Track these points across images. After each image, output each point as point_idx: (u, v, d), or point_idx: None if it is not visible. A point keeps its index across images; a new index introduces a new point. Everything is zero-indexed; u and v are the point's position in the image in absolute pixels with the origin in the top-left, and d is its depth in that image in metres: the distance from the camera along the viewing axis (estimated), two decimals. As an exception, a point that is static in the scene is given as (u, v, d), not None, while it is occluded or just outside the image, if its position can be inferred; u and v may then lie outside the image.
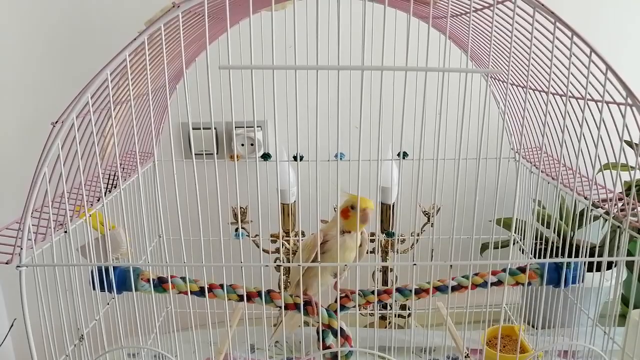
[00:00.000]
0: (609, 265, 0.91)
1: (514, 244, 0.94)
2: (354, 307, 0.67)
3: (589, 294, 0.85)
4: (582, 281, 0.66)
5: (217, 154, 1.08)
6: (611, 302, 0.66)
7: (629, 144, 0.57)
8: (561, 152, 0.58)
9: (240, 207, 0.93)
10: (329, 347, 0.64)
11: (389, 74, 0.83)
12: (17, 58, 1.04)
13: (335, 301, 0.67)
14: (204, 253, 0.57)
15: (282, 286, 0.96)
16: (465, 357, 0.73)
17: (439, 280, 0.67)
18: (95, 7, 1.03)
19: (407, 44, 0.51)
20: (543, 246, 0.92)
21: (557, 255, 0.78)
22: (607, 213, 0.63)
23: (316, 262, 0.63)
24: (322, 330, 0.65)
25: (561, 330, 0.87)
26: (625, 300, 0.97)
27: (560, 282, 0.65)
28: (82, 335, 0.60)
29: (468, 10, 0.60)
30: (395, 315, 1.01)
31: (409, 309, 1.02)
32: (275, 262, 0.98)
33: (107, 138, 0.59)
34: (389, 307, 0.99)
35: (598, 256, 0.59)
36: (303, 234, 0.93)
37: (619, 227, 0.62)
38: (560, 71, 0.56)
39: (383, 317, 1.02)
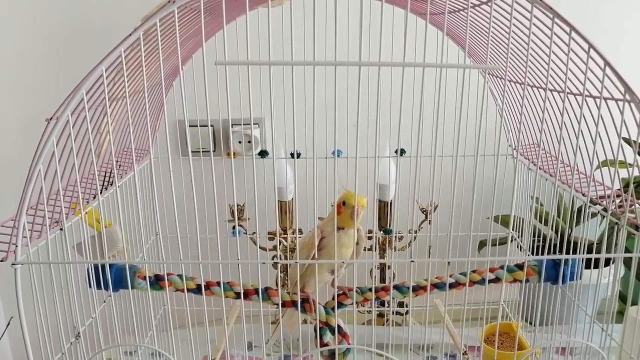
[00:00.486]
0: (607, 262, 0.91)
1: (511, 241, 0.94)
2: (352, 304, 0.67)
3: (587, 291, 0.85)
4: (580, 278, 0.66)
5: (214, 151, 1.08)
6: (609, 299, 0.66)
7: (627, 141, 0.57)
8: (559, 149, 0.58)
9: (238, 205, 0.92)
10: (326, 345, 0.64)
11: (387, 70, 0.83)
12: (14, 55, 1.04)
13: (333, 298, 0.67)
14: (200, 251, 0.57)
15: (280, 284, 0.97)
16: (463, 354, 0.73)
17: (436, 278, 0.67)
18: (93, 5, 1.02)
19: (404, 40, 0.51)
20: (541, 243, 0.91)
21: (554, 253, 0.78)
22: (605, 210, 0.63)
23: (312, 260, 0.63)
24: (320, 328, 0.64)
25: (559, 327, 0.88)
26: (622, 298, 0.97)
27: (558, 279, 0.65)
28: (78, 333, 0.60)
29: (466, 6, 0.59)
30: (393, 312, 1.01)
31: (406, 306, 1.01)
32: (272, 259, 0.98)
33: (103, 135, 0.59)
34: (386, 305, 0.99)
35: (596, 253, 0.59)
36: (300, 232, 0.93)
37: (616, 223, 0.62)
38: (559, 67, 0.56)
39: (381, 315, 1.02)
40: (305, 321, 0.86)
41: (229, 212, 0.94)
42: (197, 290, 0.65)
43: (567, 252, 0.63)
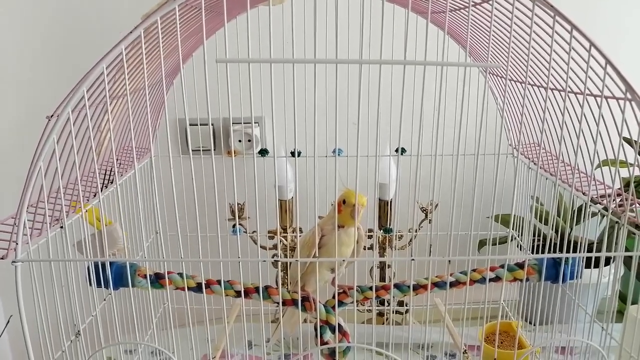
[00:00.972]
0: (607, 262, 0.91)
1: (511, 240, 0.94)
2: (352, 303, 0.67)
3: (587, 290, 0.85)
4: (580, 277, 0.66)
5: (214, 150, 1.08)
6: (609, 298, 0.66)
7: (628, 141, 0.57)
8: (560, 149, 0.58)
9: (238, 204, 0.92)
10: (326, 343, 0.64)
11: (387, 69, 0.83)
12: (14, 53, 1.04)
13: (333, 297, 0.67)
14: (201, 249, 0.57)
15: (280, 282, 0.97)
16: (463, 353, 0.73)
17: (437, 276, 0.67)
18: (93, 2, 1.02)
19: (405, 38, 0.51)
20: (541, 243, 0.91)
21: (554, 252, 0.78)
22: (606, 209, 0.63)
23: (312, 258, 0.63)
24: (320, 326, 0.64)
25: (559, 326, 0.88)
26: (622, 297, 0.97)
27: (558, 278, 0.65)
28: (78, 331, 0.60)
29: (467, 5, 0.59)
30: (393, 311, 1.01)
31: (406, 305, 1.02)
32: (272, 257, 0.98)
33: (104, 133, 0.59)
34: (386, 303, 0.99)
35: (596, 252, 0.59)
36: (301, 231, 0.93)
37: (617, 223, 0.62)
38: (559, 66, 0.56)
39: (381, 314, 1.02)
40: (305, 320, 0.86)
41: (229, 210, 0.94)
42: (198, 288, 0.64)
43: (567, 252, 0.63)
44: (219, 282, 0.65)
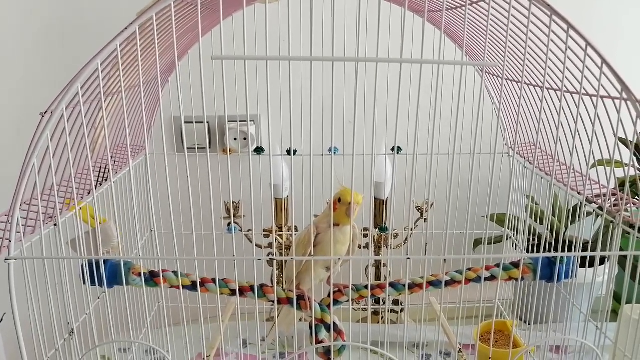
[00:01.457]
0: (602, 261, 0.92)
1: (507, 239, 0.95)
2: (347, 301, 0.67)
3: (582, 290, 0.85)
4: (575, 276, 0.66)
5: (209, 148, 1.07)
6: (603, 297, 0.67)
7: (623, 141, 0.57)
8: (555, 149, 0.58)
9: (233, 202, 0.92)
10: (321, 342, 0.64)
11: (384, 67, 0.83)
12: (7, 48, 1.03)
13: (328, 296, 0.66)
14: (196, 247, 0.57)
15: (275, 281, 0.96)
16: (458, 352, 0.73)
17: (432, 275, 0.67)
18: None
19: (402, 36, 0.50)
20: (536, 242, 0.92)
21: (549, 251, 0.78)
22: (601, 208, 0.63)
23: (308, 257, 0.63)
24: (315, 325, 0.64)
25: (553, 325, 0.88)
26: (616, 297, 0.98)
27: (553, 277, 0.65)
28: (72, 330, 0.59)
29: (464, 4, 0.59)
30: (388, 310, 1.01)
31: (401, 304, 1.02)
32: (267, 256, 0.97)
33: (98, 130, 0.58)
34: (381, 302, 0.99)
35: (591, 251, 0.59)
36: (296, 229, 0.93)
37: (612, 222, 0.62)
38: (556, 65, 0.56)
39: (376, 312, 1.02)
40: (300, 319, 0.86)
41: (224, 209, 0.93)
42: (193, 287, 0.64)
43: (562, 251, 0.63)
44: (214, 280, 0.64)
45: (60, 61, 1.01)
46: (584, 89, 0.54)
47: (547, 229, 0.69)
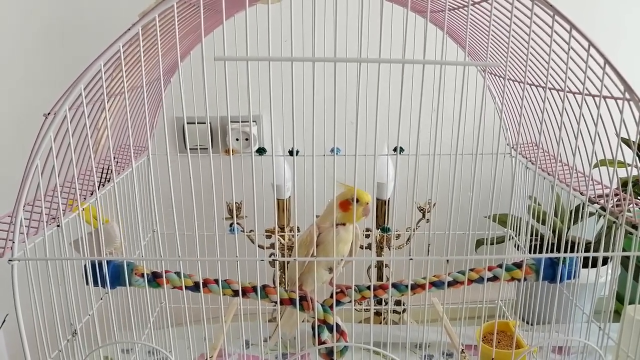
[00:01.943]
0: (604, 261, 0.91)
1: (509, 240, 0.94)
2: (350, 302, 0.67)
3: (584, 290, 0.85)
4: (578, 277, 0.66)
5: (211, 148, 1.07)
6: (606, 298, 0.66)
7: (626, 141, 0.57)
8: (558, 150, 0.57)
9: (235, 202, 0.92)
10: (324, 343, 0.64)
11: (386, 68, 0.83)
12: (10, 48, 1.03)
13: (331, 296, 0.66)
14: (198, 248, 0.57)
15: (277, 281, 0.96)
16: (461, 352, 0.73)
17: (434, 276, 0.67)
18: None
19: (404, 36, 0.50)
20: (538, 242, 0.92)
21: (552, 252, 0.78)
22: (603, 209, 0.63)
23: (311, 257, 0.63)
24: (318, 326, 0.64)
25: (556, 326, 0.88)
26: (619, 297, 0.97)
27: (556, 278, 0.65)
28: (75, 330, 0.59)
29: (466, 4, 0.59)
30: (390, 310, 1.01)
31: (404, 305, 1.01)
32: (270, 257, 0.97)
33: (101, 131, 0.58)
34: (384, 303, 0.99)
35: (593, 252, 0.59)
36: (298, 230, 0.93)
37: (614, 223, 0.62)
38: (558, 65, 0.56)
39: (378, 313, 1.02)
40: (303, 319, 0.86)
41: (226, 209, 0.93)
42: (195, 287, 0.64)
43: (565, 251, 0.63)
44: (216, 281, 0.64)
45: (61, 61, 1.02)
46: (587, 89, 0.54)
47: (550, 230, 0.69)
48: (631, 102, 0.51)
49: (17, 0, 1.00)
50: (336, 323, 0.65)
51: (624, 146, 0.58)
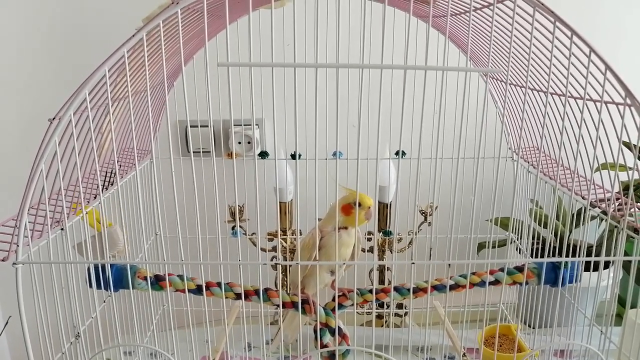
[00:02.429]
0: (606, 265, 0.91)
1: (511, 243, 0.95)
2: (352, 305, 0.67)
3: (586, 294, 0.85)
4: (579, 281, 0.66)
5: (214, 152, 1.08)
6: (608, 301, 0.67)
7: (627, 145, 0.58)
8: (559, 154, 0.58)
9: (238, 206, 0.92)
10: (326, 346, 0.64)
11: (388, 73, 0.83)
12: (15, 54, 1.04)
13: (333, 300, 0.67)
14: (201, 251, 0.57)
15: (280, 284, 0.97)
16: (463, 356, 0.73)
17: (436, 280, 0.67)
18: (93, 3, 1.02)
19: (406, 42, 0.51)
20: (540, 246, 0.92)
21: (553, 255, 0.78)
22: (605, 213, 0.63)
23: (313, 261, 0.63)
24: (320, 329, 0.64)
25: (558, 329, 0.88)
26: (621, 301, 0.97)
27: (558, 282, 0.65)
28: (78, 333, 0.60)
29: (468, 10, 0.60)
30: (392, 314, 1.01)
31: (406, 308, 1.02)
32: (272, 260, 0.98)
33: (105, 135, 0.59)
34: (385, 306, 0.99)
35: (595, 256, 0.59)
36: (300, 233, 0.93)
37: (616, 227, 0.62)
38: (560, 71, 0.56)
39: (380, 316, 1.02)
40: (305, 323, 0.86)
41: (228, 212, 0.94)
42: (198, 290, 0.65)
43: (567, 255, 0.63)
44: (218, 284, 0.65)
45: (65, 67, 1.02)
46: (588, 94, 0.54)
47: (551, 233, 0.69)
48: (632, 108, 0.51)
49: (22, 6, 1.01)
50: (338, 326, 0.65)
51: (625, 150, 0.58)
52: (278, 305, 0.65)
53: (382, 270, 1.00)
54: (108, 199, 0.69)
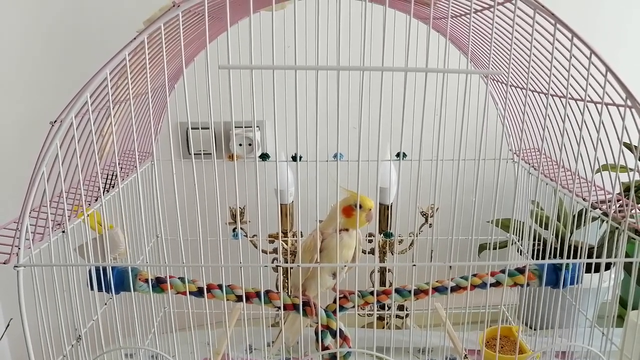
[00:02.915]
0: (607, 266, 0.91)
1: (512, 244, 0.95)
2: (353, 307, 0.67)
3: (587, 295, 0.85)
4: (581, 282, 0.66)
5: (215, 154, 1.08)
6: (609, 303, 0.66)
7: (628, 146, 0.58)
8: (560, 156, 0.58)
9: (239, 207, 0.93)
10: (327, 348, 0.64)
11: (389, 75, 0.83)
12: (16, 57, 1.04)
13: (334, 302, 0.67)
14: (202, 253, 0.57)
15: (281, 287, 0.97)
16: (464, 357, 0.73)
17: (437, 281, 0.67)
18: (93, 6, 1.02)
19: (407, 44, 0.51)
20: (541, 247, 0.92)
21: (554, 257, 0.78)
22: (606, 214, 0.63)
23: (315, 263, 0.63)
24: (321, 331, 0.64)
25: (559, 331, 0.88)
26: (622, 302, 0.97)
27: (559, 283, 0.65)
28: (79, 336, 0.60)
29: (468, 12, 0.60)
30: (393, 315, 1.01)
31: (407, 310, 1.01)
32: (273, 262, 0.98)
33: (106, 137, 0.59)
34: (387, 308, 0.99)
35: (596, 257, 0.59)
36: (301, 234, 0.93)
37: (617, 228, 0.62)
38: (560, 73, 0.56)
39: (381, 318, 1.02)
40: (306, 325, 0.86)
41: (229, 214, 0.94)
42: (199, 293, 0.65)
43: (568, 257, 0.63)
44: (219, 286, 0.65)
45: (67, 69, 1.02)
46: (589, 96, 0.55)
47: (552, 234, 0.69)
48: (633, 109, 0.51)
49: (23, 9, 1.01)
50: (339, 328, 0.65)
51: (625, 151, 0.58)
52: (279, 308, 0.65)
53: (383, 272, 1.00)
54: (109, 201, 0.69)
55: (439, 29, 0.77)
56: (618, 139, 0.55)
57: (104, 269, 0.60)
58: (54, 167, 0.50)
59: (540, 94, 0.67)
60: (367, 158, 0.88)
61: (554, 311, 0.73)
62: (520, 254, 0.92)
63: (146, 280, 0.64)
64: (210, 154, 0.93)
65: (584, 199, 0.67)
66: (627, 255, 0.61)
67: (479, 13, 0.60)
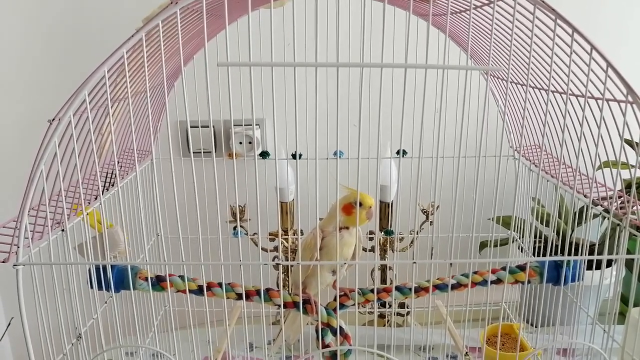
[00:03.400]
0: (609, 263, 0.91)
1: (512, 241, 0.94)
2: (353, 305, 0.67)
3: (588, 292, 0.84)
4: (582, 279, 0.66)
5: (215, 152, 1.08)
6: (611, 300, 0.66)
7: (629, 142, 0.57)
8: (561, 152, 0.58)
9: (239, 206, 0.92)
10: (328, 346, 0.64)
11: (389, 72, 0.83)
12: (16, 57, 1.04)
13: (335, 299, 0.67)
14: (202, 251, 0.57)
15: (281, 285, 0.96)
16: (465, 355, 0.73)
17: (438, 279, 0.67)
18: (93, 6, 1.02)
19: (406, 41, 0.51)
20: (542, 244, 0.91)
21: (555, 254, 0.78)
22: (607, 211, 0.63)
23: (315, 261, 0.63)
24: (321, 329, 0.64)
25: (560, 328, 0.87)
26: (624, 299, 0.97)
27: (560, 280, 0.65)
28: (79, 334, 0.60)
29: (468, 8, 0.59)
30: (394, 313, 1.01)
31: (407, 307, 1.01)
32: (273, 260, 0.98)
33: (105, 136, 0.59)
34: (387, 306, 0.99)
35: (597, 254, 0.59)
36: (302, 232, 0.93)
37: (618, 225, 0.62)
38: (561, 69, 0.56)
39: (381, 316, 1.02)
40: (307, 323, 0.86)
41: (229, 213, 0.94)
42: (199, 291, 0.64)
43: (569, 254, 0.63)
44: (220, 284, 0.65)
45: (65, 67, 1.02)
46: (589, 92, 0.54)
47: (553, 232, 0.69)
48: (634, 105, 0.51)
49: (22, 8, 1.01)
50: (340, 326, 0.65)
51: (627, 147, 0.58)
52: (280, 306, 0.65)
53: (383, 269, 1.00)
54: (109, 200, 0.69)
55: (438, 25, 0.77)
56: (619, 135, 0.55)
57: (104, 268, 0.60)
58: (52, 165, 0.50)
59: (541, 90, 0.67)
60: (367, 155, 0.88)
61: (555, 308, 0.73)
62: (521, 251, 0.92)
63: (146, 279, 0.64)
64: (210, 152, 0.93)
65: (585, 196, 0.66)
66: (628, 252, 0.61)
67: (478, 9, 0.59)
